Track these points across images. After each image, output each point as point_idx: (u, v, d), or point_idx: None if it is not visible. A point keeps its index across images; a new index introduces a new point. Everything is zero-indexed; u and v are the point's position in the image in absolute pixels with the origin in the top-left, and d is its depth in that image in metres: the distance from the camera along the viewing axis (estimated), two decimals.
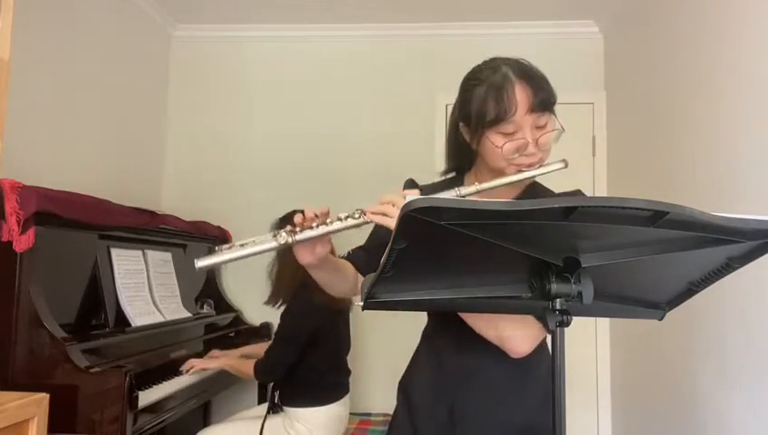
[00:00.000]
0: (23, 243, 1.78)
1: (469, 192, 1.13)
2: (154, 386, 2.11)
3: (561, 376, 0.84)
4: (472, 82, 1.22)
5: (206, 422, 3.13)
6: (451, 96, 1.30)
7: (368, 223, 1.12)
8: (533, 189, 1.30)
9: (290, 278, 2.37)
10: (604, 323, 3.33)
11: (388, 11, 3.35)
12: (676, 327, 2.41)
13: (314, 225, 1.12)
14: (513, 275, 0.88)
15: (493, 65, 1.21)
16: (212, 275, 3.27)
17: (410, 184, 1.33)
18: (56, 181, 2.09)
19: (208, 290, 3.19)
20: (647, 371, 2.81)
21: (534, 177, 1.19)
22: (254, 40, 3.63)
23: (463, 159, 1.31)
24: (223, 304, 3.24)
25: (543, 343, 1.28)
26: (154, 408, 2.03)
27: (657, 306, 1.01)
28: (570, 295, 0.83)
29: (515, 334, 1.16)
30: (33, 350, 1.81)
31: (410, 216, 0.71)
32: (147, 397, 1.97)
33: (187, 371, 2.35)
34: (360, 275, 1.32)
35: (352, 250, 1.37)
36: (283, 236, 1.10)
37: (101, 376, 1.81)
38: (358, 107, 3.55)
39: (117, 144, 3.10)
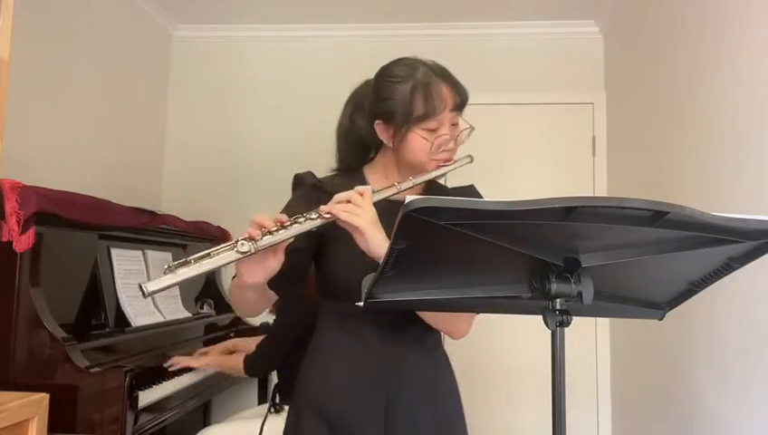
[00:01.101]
0: (23, 243, 1.77)
1: (407, 186, 1.19)
2: (154, 386, 2.10)
3: (561, 376, 0.84)
4: (391, 79, 1.24)
5: (205, 422, 3.13)
6: None
7: (328, 222, 1.07)
8: (434, 185, 1.36)
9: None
10: (604, 323, 3.33)
11: (388, 11, 3.35)
12: (676, 328, 2.41)
13: (273, 229, 1.03)
14: (513, 275, 0.88)
15: (408, 63, 1.25)
16: (212, 275, 3.26)
17: (310, 177, 1.37)
18: (56, 181, 2.09)
19: (208, 290, 3.19)
20: (646, 371, 2.81)
21: (451, 170, 1.26)
22: (254, 40, 3.63)
23: (361, 155, 1.36)
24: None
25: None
26: (154, 408, 2.03)
27: (657, 306, 1.01)
28: (570, 295, 0.83)
29: (462, 317, 1.21)
30: (33, 350, 1.80)
31: (410, 216, 0.71)
32: (147, 397, 1.97)
33: (173, 366, 2.33)
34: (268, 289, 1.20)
35: None
36: (245, 245, 0.99)
37: (101, 376, 1.81)
38: None
39: (117, 144, 3.09)
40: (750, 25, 1.98)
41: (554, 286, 0.82)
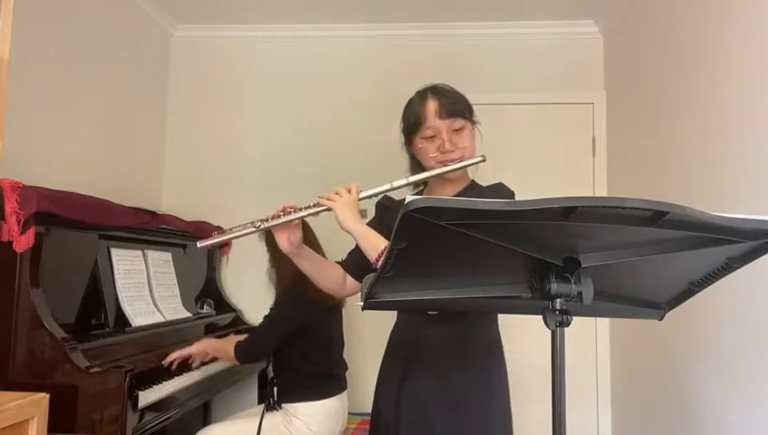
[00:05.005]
0: (23, 243, 1.77)
1: (401, 184, 1.44)
2: (154, 386, 2.10)
3: (561, 376, 0.84)
4: (406, 105, 1.55)
5: (206, 422, 3.13)
6: None
7: (322, 210, 1.40)
8: (471, 186, 1.54)
9: (287, 277, 2.39)
10: (604, 323, 3.33)
11: (388, 11, 3.35)
12: (676, 327, 2.41)
13: (281, 214, 1.43)
14: (513, 275, 0.88)
15: (419, 91, 1.52)
16: (212, 275, 3.27)
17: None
18: (56, 181, 2.09)
19: (208, 290, 3.18)
20: (647, 371, 2.81)
21: (456, 169, 1.43)
22: (254, 40, 3.63)
23: (416, 166, 1.56)
24: (223, 304, 3.24)
25: (493, 321, 1.52)
26: (154, 408, 2.03)
27: (657, 306, 1.01)
28: (570, 295, 0.83)
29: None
30: (33, 350, 1.80)
31: (410, 216, 0.71)
32: (147, 397, 1.97)
33: (170, 362, 2.33)
34: (348, 275, 1.57)
35: (346, 256, 1.61)
36: (257, 223, 1.43)
37: (101, 376, 1.81)
38: (358, 107, 3.55)
39: (117, 144, 3.09)
40: (750, 24, 1.98)
41: (554, 286, 0.82)
